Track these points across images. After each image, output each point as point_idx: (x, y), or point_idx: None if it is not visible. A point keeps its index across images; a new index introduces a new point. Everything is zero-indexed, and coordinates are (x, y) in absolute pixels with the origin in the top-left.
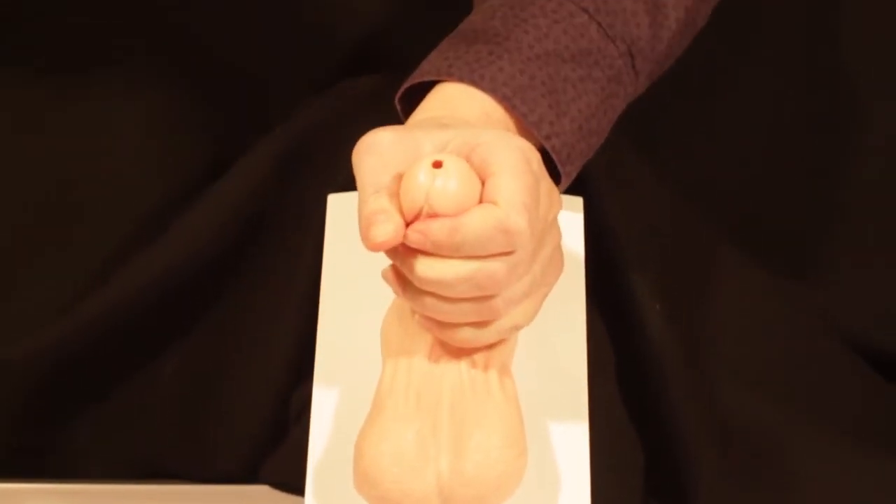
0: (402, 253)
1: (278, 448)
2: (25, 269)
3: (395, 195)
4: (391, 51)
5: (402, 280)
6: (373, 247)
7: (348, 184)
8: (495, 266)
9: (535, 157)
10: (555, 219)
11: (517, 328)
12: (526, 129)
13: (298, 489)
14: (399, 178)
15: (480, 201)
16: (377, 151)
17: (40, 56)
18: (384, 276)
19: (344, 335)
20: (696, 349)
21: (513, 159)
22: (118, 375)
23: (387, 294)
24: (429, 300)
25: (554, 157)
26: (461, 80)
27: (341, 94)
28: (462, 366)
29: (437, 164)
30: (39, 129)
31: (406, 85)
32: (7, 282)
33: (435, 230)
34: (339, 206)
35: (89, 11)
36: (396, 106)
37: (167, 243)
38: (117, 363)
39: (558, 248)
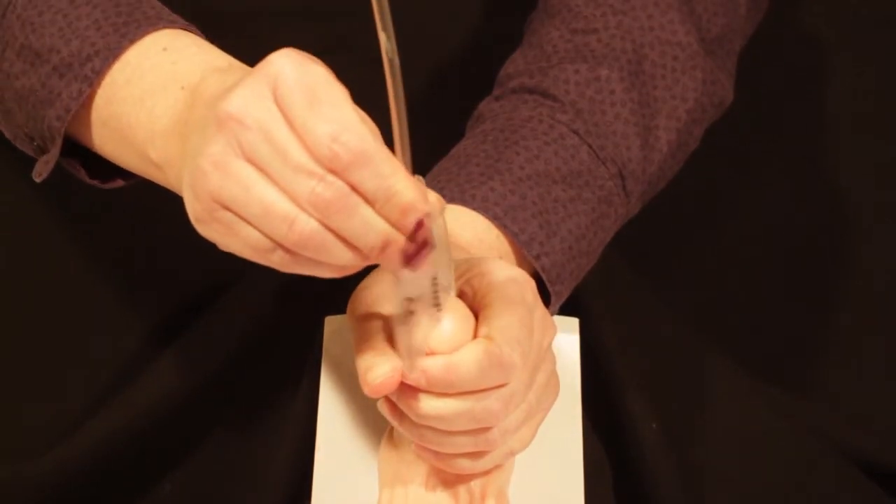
0: (399, 389)
1: None
2: (27, 394)
3: (391, 336)
4: None
5: (398, 412)
6: (372, 391)
7: (345, 306)
8: (491, 400)
9: (530, 285)
10: (549, 345)
11: (513, 454)
12: (518, 248)
13: None
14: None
15: (475, 334)
16: (374, 294)
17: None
18: (380, 408)
19: (341, 459)
20: (693, 469)
21: (506, 291)
22: (119, 495)
23: (384, 418)
24: (425, 432)
25: (543, 276)
26: (452, 200)
27: None
28: (459, 494)
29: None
30: (43, 264)
31: None
32: (9, 405)
33: (431, 367)
34: (336, 329)
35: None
36: None
37: (165, 368)
38: (117, 485)
39: (554, 374)
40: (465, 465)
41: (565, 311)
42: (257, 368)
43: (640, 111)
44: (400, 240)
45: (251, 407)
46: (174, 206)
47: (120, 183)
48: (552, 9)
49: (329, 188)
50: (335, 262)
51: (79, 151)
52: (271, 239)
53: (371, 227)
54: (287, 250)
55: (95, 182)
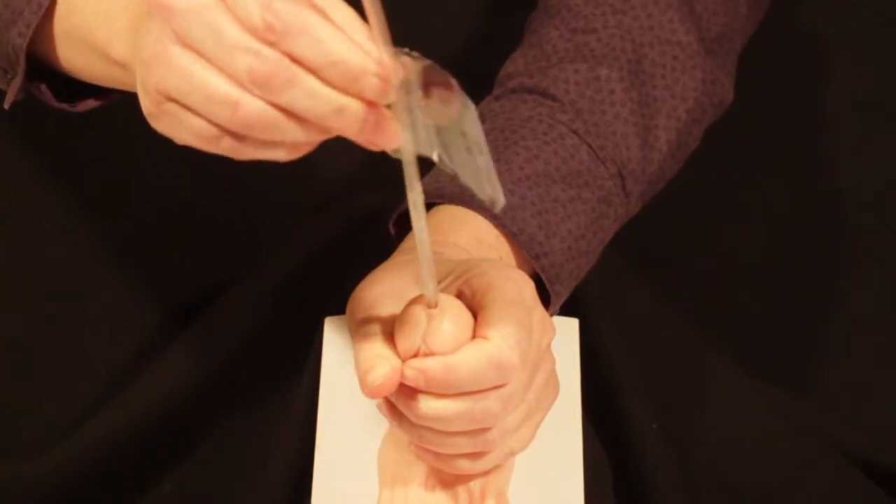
0: (398, 390)
1: None
2: (27, 394)
3: (390, 336)
4: (391, 169)
5: (397, 413)
6: (372, 392)
7: (345, 306)
8: (490, 401)
9: (528, 286)
10: (548, 346)
11: (513, 454)
12: (517, 249)
13: None
14: (393, 319)
15: (474, 335)
16: (373, 294)
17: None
18: (379, 409)
19: (341, 459)
20: (693, 469)
21: (505, 291)
22: (119, 495)
23: (384, 418)
24: (425, 433)
25: (543, 276)
26: (452, 201)
27: (339, 214)
28: (458, 494)
29: (433, 305)
30: (43, 264)
31: (399, 210)
32: (9, 405)
33: (430, 368)
34: (336, 329)
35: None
36: (390, 230)
37: (165, 367)
38: (117, 485)
39: (553, 374)
40: (465, 466)
41: (565, 311)
42: (257, 368)
43: (639, 111)
44: (353, 106)
45: (251, 407)
46: (174, 206)
47: (91, 104)
48: (552, 8)
49: (266, 62)
50: (288, 139)
51: (47, 79)
52: (217, 125)
53: (317, 96)
54: (235, 135)
55: (64, 106)
